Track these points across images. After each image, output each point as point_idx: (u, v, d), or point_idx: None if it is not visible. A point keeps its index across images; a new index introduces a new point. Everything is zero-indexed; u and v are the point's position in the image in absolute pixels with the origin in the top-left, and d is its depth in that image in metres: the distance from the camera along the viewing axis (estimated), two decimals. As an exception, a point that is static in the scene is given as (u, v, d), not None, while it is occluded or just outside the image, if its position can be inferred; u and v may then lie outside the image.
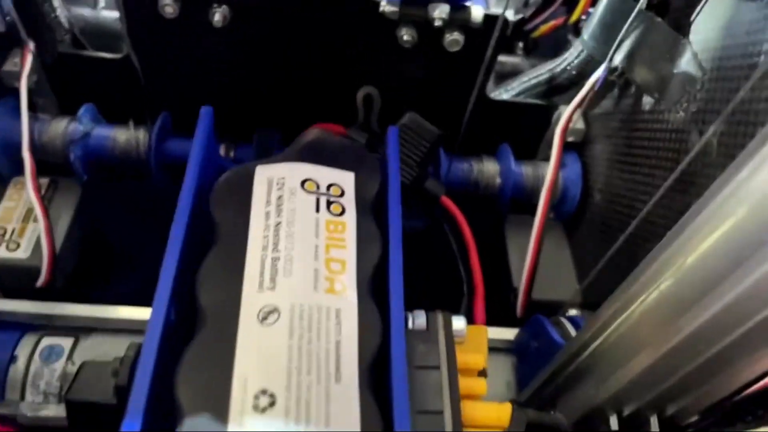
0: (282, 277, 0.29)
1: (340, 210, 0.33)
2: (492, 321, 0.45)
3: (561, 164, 0.50)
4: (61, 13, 0.46)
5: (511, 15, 0.49)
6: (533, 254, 0.49)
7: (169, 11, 0.43)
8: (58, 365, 0.42)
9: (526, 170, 0.53)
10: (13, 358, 0.42)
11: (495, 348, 0.47)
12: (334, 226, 0.32)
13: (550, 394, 0.38)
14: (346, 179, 0.34)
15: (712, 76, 0.37)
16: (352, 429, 0.25)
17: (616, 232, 0.47)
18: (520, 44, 0.63)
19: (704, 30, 0.38)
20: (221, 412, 0.25)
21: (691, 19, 0.40)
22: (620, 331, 0.33)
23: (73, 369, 0.42)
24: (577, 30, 0.60)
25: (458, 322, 0.31)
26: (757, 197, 0.23)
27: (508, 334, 0.47)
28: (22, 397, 0.42)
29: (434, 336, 0.30)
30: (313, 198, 0.33)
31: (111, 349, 0.44)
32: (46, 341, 0.43)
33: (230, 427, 0.24)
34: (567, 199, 0.53)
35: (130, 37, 0.47)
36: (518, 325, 0.48)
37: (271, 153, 0.49)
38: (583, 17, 0.58)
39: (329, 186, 0.34)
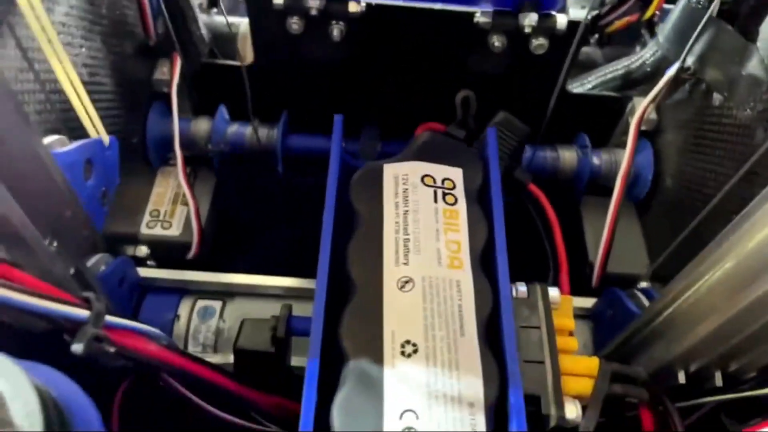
0: (413, 255, 0.37)
1: (453, 200, 0.40)
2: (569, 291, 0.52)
3: (635, 151, 0.56)
4: (204, 31, 0.54)
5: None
6: (609, 231, 0.55)
7: (295, 28, 0.51)
8: (213, 322, 0.52)
9: (601, 157, 0.59)
10: (177, 317, 0.52)
11: (575, 315, 0.54)
12: (450, 213, 0.39)
13: (625, 354, 0.45)
14: (456, 174, 0.42)
15: (778, 80, 0.42)
16: (475, 372, 0.33)
17: (686, 215, 0.52)
18: (595, 37, 0.68)
19: (771, 37, 0.43)
20: (377, 357, 0.33)
21: (759, 25, 0.44)
22: (689, 302, 0.39)
23: (224, 326, 0.52)
24: (650, 25, 0.64)
25: (553, 292, 0.38)
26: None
27: (586, 303, 0.54)
28: (185, 348, 0.52)
29: (534, 303, 0.37)
30: (431, 191, 0.40)
31: (252, 309, 0.53)
32: (201, 303, 0.53)
33: (385, 368, 0.32)
34: (639, 182, 0.58)
35: (255, 49, 0.55)
36: (593, 295, 0.55)
37: (375, 147, 0.57)
38: (657, 12, 0.63)
39: (443, 180, 0.41)
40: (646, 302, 0.47)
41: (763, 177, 0.42)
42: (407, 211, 0.39)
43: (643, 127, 0.58)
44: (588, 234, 0.60)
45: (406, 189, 0.40)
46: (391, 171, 0.41)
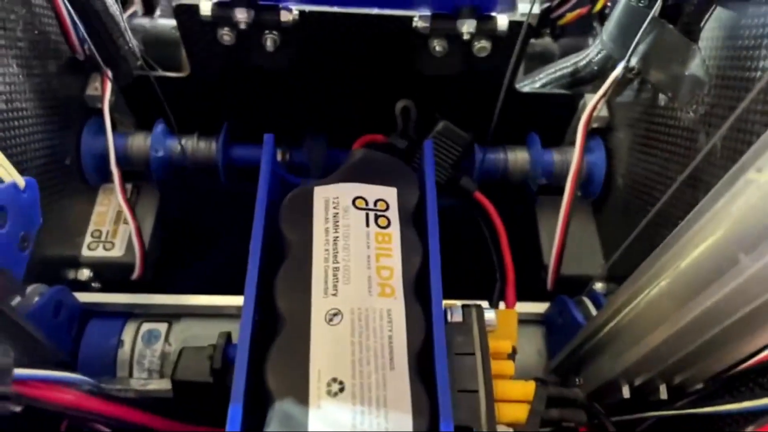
0: (342, 285, 0.36)
1: (386, 223, 0.39)
2: (526, 295, 0.51)
3: (586, 149, 0.55)
4: (133, 44, 0.52)
5: (537, 7, 0.52)
6: (561, 234, 0.55)
7: (226, 39, 0.49)
8: (158, 346, 0.50)
9: (553, 156, 0.58)
10: (120, 343, 0.51)
11: (528, 320, 0.53)
12: (382, 238, 0.38)
13: (573, 365, 0.44)
14: (390, 194, 0.40)
15: (718, 83, 0.40)
16: (404, 407, 0.32)
17: (637, 216, 0.51)
18: (548, 30, 0.66)
19: (711, 37, 0.42)
20: (303, 397, 0.32)
21: (701, 25, 0.43)
22: (630, 316, 0.38)
23: (169, 349, 0.50)
24: (602, 16, 0.63)
25: (489, 314, 0.37)
26: (732, 221, 0.28)
27: (539, 308, 0.53)
28: (130, 374, 0.50)
29: (469, 327, 0.36)
30: (363, 214, 0.39)
31: (199, 331, 0.51)
32: (146, 327, 0.51)
33: (311, 409, 0.31)
34: (592, 181, 0.57)
35: (190, 60, 0.53)
36: (550, 298, 0.54)
37: (320, 156, 0.55)
38: (608, 4, 0.61)
39: (376, 201, 0.40)
40: (593, 311, 0.47)
41: (705, 183, 0.41)
42: (337, 237, 0.38)
43: (595, 125, 0.57)
44: (543, 235, 0.59)
45: (337, 213, 0.39)
46: (322, 194, 0.40)
